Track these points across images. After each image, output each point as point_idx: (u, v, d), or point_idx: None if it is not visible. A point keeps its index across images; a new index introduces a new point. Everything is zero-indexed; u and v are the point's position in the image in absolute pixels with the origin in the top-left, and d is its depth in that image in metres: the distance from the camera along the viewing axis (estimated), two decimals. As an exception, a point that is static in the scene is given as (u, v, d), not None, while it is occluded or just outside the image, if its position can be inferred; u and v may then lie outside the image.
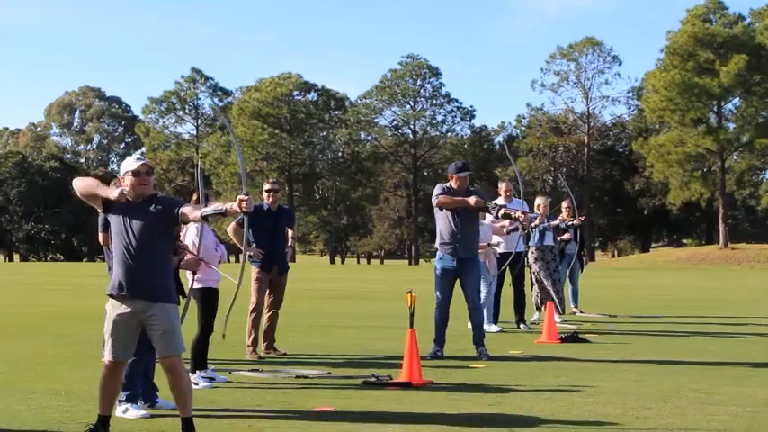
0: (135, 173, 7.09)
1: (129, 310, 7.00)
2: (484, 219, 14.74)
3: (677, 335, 15.40)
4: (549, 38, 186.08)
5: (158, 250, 7.07)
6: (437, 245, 12.49)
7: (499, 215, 12.84)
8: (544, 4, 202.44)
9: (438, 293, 12.35)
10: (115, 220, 7.09)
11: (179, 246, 8.62)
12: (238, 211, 6.82)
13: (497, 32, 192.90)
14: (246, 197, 6.78)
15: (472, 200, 12.10)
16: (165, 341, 7.01)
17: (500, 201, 15.81)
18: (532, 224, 16.24)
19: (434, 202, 12.42)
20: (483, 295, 14.07)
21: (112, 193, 7.01)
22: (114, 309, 7.06)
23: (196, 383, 9.56)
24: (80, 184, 7.15)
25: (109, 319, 7.09)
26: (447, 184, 12.44)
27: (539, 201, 17.27)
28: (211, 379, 9.71)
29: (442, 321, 12.27)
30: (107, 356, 7.07)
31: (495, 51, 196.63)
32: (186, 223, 7.75)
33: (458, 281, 12.37)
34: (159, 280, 7.06)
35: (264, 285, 12.41)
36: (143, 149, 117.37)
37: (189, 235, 9.80)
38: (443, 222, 12.34)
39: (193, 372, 9.73)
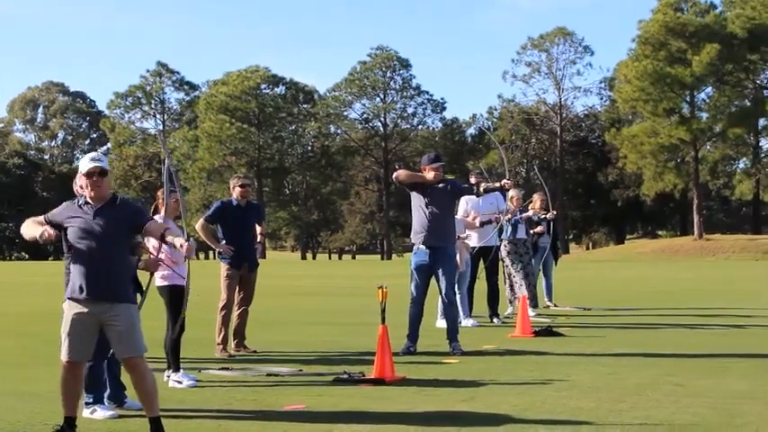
0: (87, 174, 7.10)
1: (86, 310, 6.97)
2: (455, 212, 14.76)
3: (652, 327, 15.50)
4: (520, 28, 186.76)
5: (119, 252, 7.08)
6: (411, 236, 12.52)
7: (481, 191, 12.90)
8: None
9: (413, 289, 12.36)
10: (74, 226, 7.04)
11: (137, 245, 8.57)
12: (183, 252, 6.95)
13: (468, 23, 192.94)
14: (188, 242, 6.91)
15: (430, 175, 12.20)
16: (126, 342, 7.00)
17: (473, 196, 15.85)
18: (507, 215, 16.33)
19: (393, 176, 12.65)
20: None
21: (37, 232, 6.96)
22: (72, 308, 7.03)
23: (180, 382, 9.53)
24: (24, 231, 7.19)
25: (66, 319, 7.05)
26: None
27: (511, 193, 17.26)
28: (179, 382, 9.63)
29: (415, 317, 12.30)
30: (64, 357, 7.05)
31: (465, 43, 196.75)
32: (145, 236, 7.83)
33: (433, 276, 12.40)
34: (120, 281, 7.06)
35: (234, 282, 12.38)
36: (108, 145, 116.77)
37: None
38: (416, 212, 12.38)
39: (176, 371, 9.68)
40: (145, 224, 7.12)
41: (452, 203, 12.88)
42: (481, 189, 12.87)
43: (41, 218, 7.19)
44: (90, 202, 7.08)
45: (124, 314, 6.99)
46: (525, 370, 10.48)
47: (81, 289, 6.95)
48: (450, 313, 12.42)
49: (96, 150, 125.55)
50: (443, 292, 12.37)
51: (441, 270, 12.26)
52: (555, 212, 19.22)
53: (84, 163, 7.16)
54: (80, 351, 7.03)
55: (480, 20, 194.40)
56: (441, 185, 12.34)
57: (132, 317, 7.06)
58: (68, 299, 7.07)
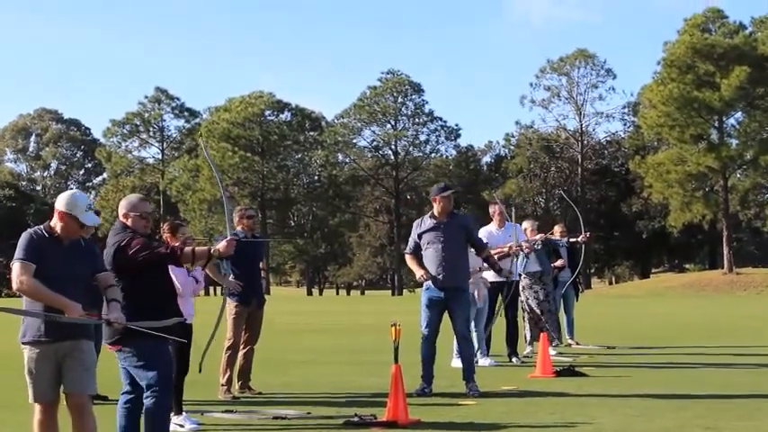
0: None
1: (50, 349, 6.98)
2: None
3: (681, 366, 15.45)
4: (539, 51, 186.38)
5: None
6: None
7: (538, 244, 13.21)
8: (532, 16, 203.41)
9: (424, 326, 12.38)
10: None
11: (188, 239, 8.67)
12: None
13: (483, 46, 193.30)
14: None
15: (418, 274, 12.33)
16: (85, 378, 7.00)
17: (492, 225, 15.97)
18: (525, 247, 16.35)
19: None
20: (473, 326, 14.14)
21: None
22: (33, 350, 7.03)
23: (182, 425, 9.55)
24: None
25: (30, 360, 7.04)
26: (428, 214, 12.56)
27: (525, 224, 17.38)
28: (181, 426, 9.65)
29: (428, 356, 12.31)
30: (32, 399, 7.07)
31: (480, 66, 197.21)
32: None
33: (446, 313, 12.43)
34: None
35: (242, 320, 12.39)
36: (104, 175, 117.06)
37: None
38: (428, 250, 12.41)
39: (179, 413, 9.70)
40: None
41: (465, 243, 12.84)
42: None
43: None
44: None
45: (88, 350, 7.07)
46: (546, 412, 10.47)
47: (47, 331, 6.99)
48: (465, 351, 12.43)
49: (91, 181, 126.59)
50: (457, 327, 12.38)
51: (455, 307, 12.30)
52: (587, 235, 19.14)
53: None
54: (48, 391, 7.04)
55: (496, 42, 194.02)
56: (452, 220, 12.39)
57: (93, 354, 7.17)
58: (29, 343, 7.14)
